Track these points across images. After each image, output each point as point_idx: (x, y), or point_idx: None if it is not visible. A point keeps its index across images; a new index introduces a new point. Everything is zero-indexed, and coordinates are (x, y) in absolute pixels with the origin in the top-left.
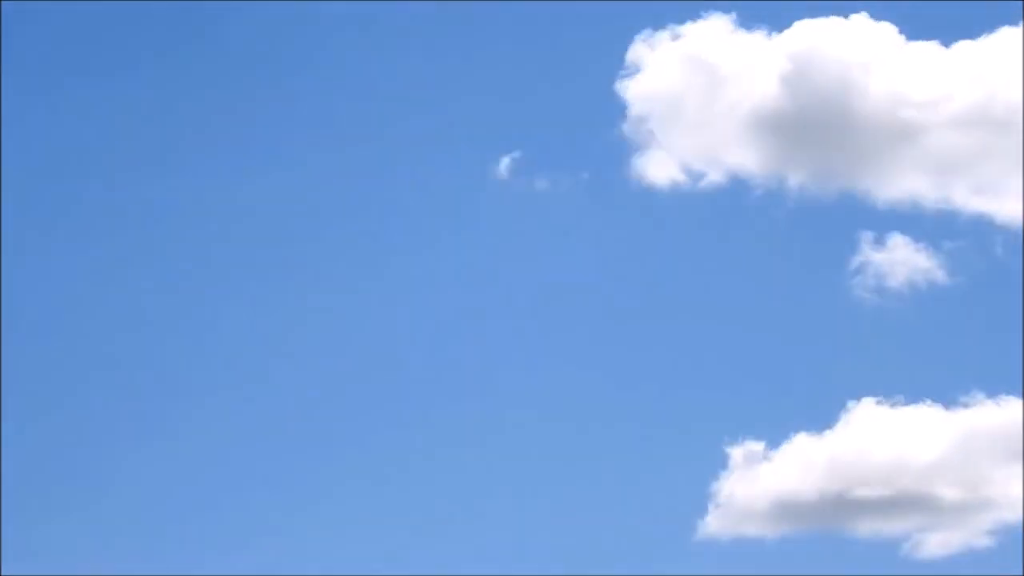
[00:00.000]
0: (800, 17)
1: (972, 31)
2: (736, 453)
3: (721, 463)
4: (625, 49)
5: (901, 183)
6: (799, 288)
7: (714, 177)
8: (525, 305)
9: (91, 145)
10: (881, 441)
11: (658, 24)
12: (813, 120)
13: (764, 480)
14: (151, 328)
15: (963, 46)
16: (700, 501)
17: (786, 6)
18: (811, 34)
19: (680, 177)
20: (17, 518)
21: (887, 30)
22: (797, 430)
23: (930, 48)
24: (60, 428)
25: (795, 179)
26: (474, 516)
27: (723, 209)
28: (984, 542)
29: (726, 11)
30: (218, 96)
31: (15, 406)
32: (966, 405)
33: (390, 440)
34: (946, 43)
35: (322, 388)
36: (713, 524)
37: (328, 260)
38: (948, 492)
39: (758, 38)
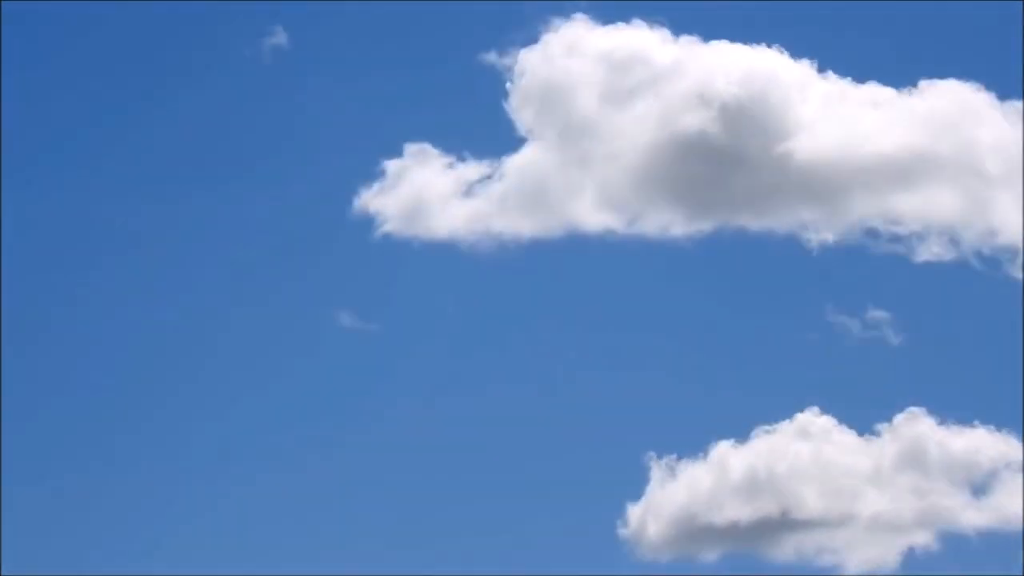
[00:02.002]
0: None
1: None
2: (655, 471)
3: (639, 485)
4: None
5: (840, 222)
6: (732, 318)
7: (633, 210)
8: (457, 314)
9: (89, 148)
10: (808, 460)
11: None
12: (740, 152)
13: (682, 501)
14: (150, 330)
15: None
16: (616, 525)
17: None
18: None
19: (601, 215)
20: (17, 518)
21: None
22: (718, 446)
23: (879, 92)
24: (60, 428)
25: (715, 213)
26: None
27: (647, 246)
28: (901, 561)
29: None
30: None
31: (15, 406)
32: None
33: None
34: (896, 86)
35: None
36: (632, 547)
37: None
38: (866, 511)
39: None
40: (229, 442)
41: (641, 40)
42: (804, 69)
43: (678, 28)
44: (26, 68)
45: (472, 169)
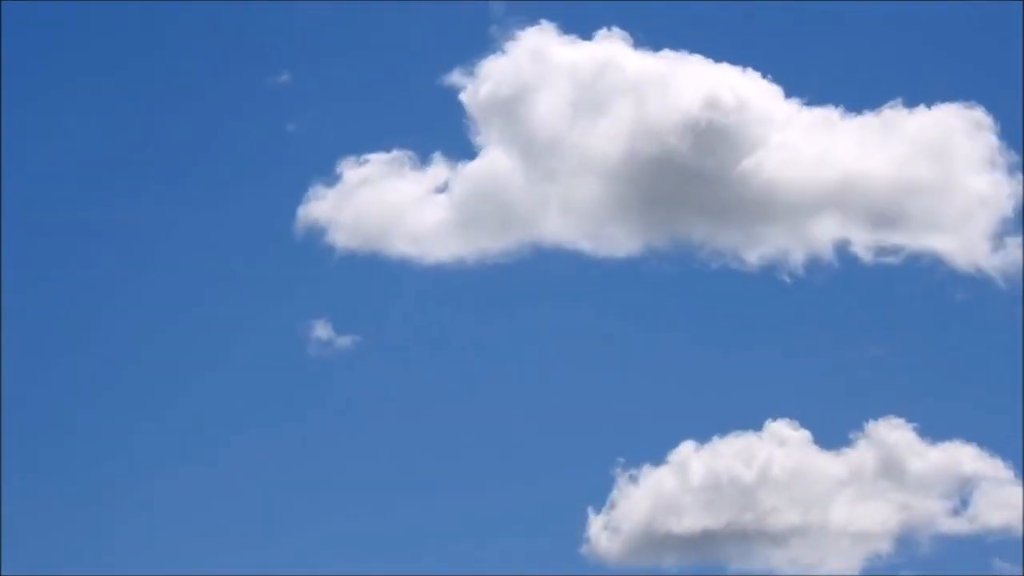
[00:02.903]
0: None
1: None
2: (621, 480)
3: (604, 492)
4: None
5: (807, 240)
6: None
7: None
8: (422, 326)
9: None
10: (776, 469)
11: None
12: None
13: (646, 509)
14: (150, 331)
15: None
16: (580, 533)
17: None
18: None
19: (564, 228)
20: (17, 518)
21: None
22: (682, 456)
23: (850, 116)
24: (60, 428)
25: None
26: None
27: (609, 260)
28: (863, 568)
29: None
30: None
31: (15, 406)
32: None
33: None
34: (849, 111)
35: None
36: (595, 555)
37: None
38: (827, 523)
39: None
40: (227, 444)
41: (612, 52)
42: (776, 91)
43: (656, 42)
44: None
45: (431, 179)
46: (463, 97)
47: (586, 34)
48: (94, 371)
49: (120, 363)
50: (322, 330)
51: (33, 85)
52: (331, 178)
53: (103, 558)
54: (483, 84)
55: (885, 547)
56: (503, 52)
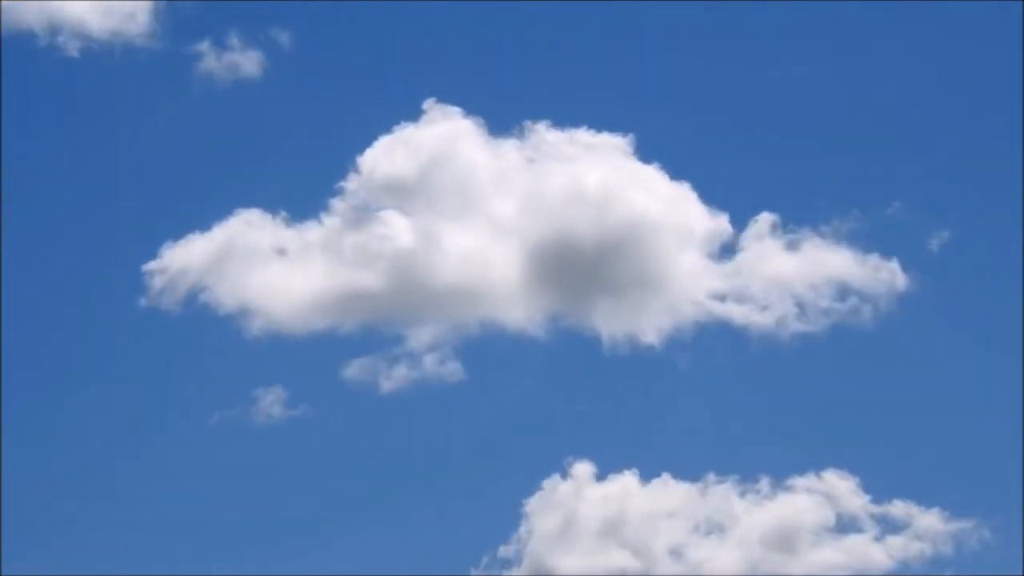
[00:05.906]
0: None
1: None
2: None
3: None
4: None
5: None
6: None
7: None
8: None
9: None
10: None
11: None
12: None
13: (538, 553)
14: (149, 331)
15: None
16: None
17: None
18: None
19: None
20: (17, 518)
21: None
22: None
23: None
24: (60, 428)
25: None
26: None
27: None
28: None
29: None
30: None
31: (15, 406)
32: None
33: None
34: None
35: None
36: None
37: None
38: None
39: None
40: (225, 445)
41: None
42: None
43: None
44: None
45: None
46: (359, 171)
47: (504, 131)
48: (88, 373)
49: (122, 362)
50: (275, 401)
51: None
52: (210, 243)
53: (103, 558)
54: (383, 157)
55: None
56: (400, 128)
